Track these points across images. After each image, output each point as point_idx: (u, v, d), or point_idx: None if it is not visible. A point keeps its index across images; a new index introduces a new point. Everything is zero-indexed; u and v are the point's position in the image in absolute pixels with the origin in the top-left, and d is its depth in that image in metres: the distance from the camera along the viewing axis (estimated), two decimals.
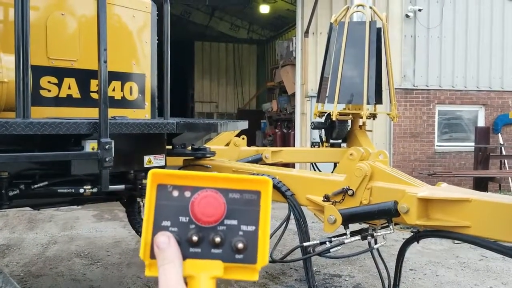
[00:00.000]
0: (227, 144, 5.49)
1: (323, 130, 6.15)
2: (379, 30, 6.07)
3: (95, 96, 3.47)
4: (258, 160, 5.17)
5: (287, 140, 12.02)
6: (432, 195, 2.59)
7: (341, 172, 3.21)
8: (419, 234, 2.72)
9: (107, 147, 2.48)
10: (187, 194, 0.77)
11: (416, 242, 2.77)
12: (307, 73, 10.01)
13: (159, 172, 0.78)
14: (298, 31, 10.61)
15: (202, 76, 19.65)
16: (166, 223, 0.77)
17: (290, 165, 9.17)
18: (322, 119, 6.20)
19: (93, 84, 3.49)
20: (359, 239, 2.80)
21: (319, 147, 6.06)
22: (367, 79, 5.73)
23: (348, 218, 2.79)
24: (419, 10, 10.01)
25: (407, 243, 2.86)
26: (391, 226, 2.68)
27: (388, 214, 2.65)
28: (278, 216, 7.73)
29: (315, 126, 6.10)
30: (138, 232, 3.20)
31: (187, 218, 0.77)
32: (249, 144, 5.69)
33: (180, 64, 20.48)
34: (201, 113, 19.21)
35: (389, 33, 9.77)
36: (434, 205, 2.59)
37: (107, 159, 2.48)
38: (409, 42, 10.05)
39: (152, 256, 0.76)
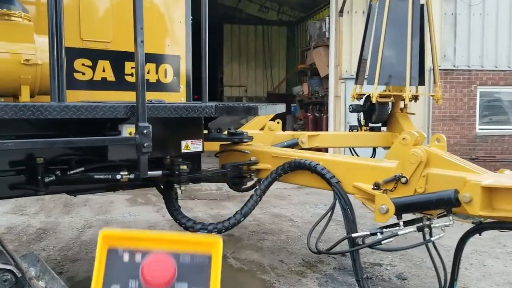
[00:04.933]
0: (262, 129, 5.32)
1: (361, 113, 5.91)
2: (422, 6, 5.74)
3: (129, 79, 3.35)
4: (294, 145, 4.98)
5: (319, 124, 11.76)
6: (498, 183, 2.35)
7: (392, 158, 2.99)
8: (482, 226, 2.50)
9: (145, 131, 2.34)
10: (138, 258, 0.79)
11: (478, 234, 2.55)
12: (341, 54, 9.68)
13: (110, 234, 0.82)
14: (332, 10, 10.25)
15: (231, 59, 19.47)
16: (116, 287, 0.78)
17: (323, 150, 8.96)
18: (361, 102, 5.96)
19: (128, 66, 3.37)
20: (415, 231, 2.60)
21: (357, 131, 5.83)
22: (410, 59, 5.44)
23: (402, 208, 2.58)
24: None
25: (467, 235, 2.63)
26: (450, 217, 2.46)
27: (448, 204, 2.43)
28: (319, 202, 7.54)
29: (354, 109, 5.86)
30: (177, 220, 3.08)
31: (137, 282, 0.78)
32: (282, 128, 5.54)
33: (209, 48, 20.33)
34: (230, 98, 19.09)
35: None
36: (500, 195, 2.36)
37: (145, 145, 2.35)
38: (450, 20, 9.56)
39: None
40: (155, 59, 3.53)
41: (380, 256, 5.12)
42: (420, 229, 2.58)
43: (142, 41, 2.34)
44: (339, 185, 2.93)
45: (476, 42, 9.66)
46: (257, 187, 3.28)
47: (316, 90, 13.44)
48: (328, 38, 10.71)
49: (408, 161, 2.66)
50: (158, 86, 3.56)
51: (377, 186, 2.74)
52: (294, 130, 13.35)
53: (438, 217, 2.61)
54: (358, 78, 6.09)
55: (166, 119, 2.75)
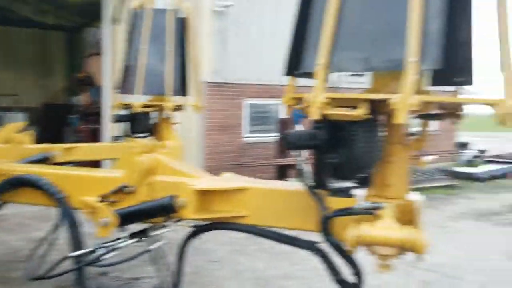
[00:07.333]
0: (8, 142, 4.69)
1: (126, 124, 5.77)
2: (183, 19, 5.92)
3: None
4: (44, 160, 4.52)
5: (98, 136, 11.21)
6: (210, 186, 2.48)
7: (121, 168, 2.91)
8: (197, 229, 2.60)
9: None
10: None
11: (196, 238, 2.65)
12: (116, 63, 9.41)
13: None
14: (106, 18, 9.94)
15: (1, 66, 17.17)
16: None
17: (98, 164, 8.50)
18: (126, 112, 5.82)
19: None
20: (136, 242, 2.56)
21: (121, 142, 5.67)
22: (171, 70, 5.54)
23: (124, 219, 2.51)
24: (229, 5, 10.25)
25: (187, 240, 2.71)
26: (169, 223, 2.49)
27: (166, 210, 2.47)
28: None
29: (117, 119, 5.69)
30: None
31: None
32: (59, 141, 5.02)
33: None
34: None
35: (201, 26, 9.83)
36: (214, 197, 2.50)
37: None
38: (219, 36, 10.23)
39: None
40: None
41: (142, 270, 5.03)
42: (140, 240, 2.55)
43: None
44: (64, 201, 2.71)
45: (243, 58, 10.55)
46: None
47: (96, 100, 12.85)
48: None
49: (133, 169, 2.61)
50: None
51: (103, 198, 2.62)
52: (75, 142, 12.44)
53: (165, 225, 2.62)
54: (121, 88, 5.94)
55: None
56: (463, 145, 16.80)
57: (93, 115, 12.92)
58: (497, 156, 15.15)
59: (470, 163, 14.88)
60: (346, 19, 2.02)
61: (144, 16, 5.65)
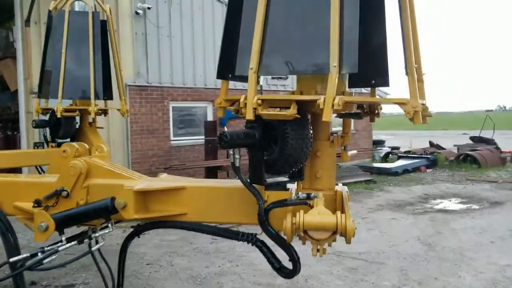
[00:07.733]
0: None
1: (47, 129, 5.57)
2: (104, 22, 5.82)
3: None
4: None
5: (12, 144, 10.58)
6: (149, 186, 2.54)
7: (54, 172, 2.87)
8: (138, 229, 2.65)
9: None
10: None
11: (137, 237, 2.69)
12: (31, 66, 8.97)
13: None
14: (18, 19, 9.42)
15: None
16: None
17: (17, 172, 8.04)
18: (47, 117, 5.61)
19: None
20: (76, 244, 2.55)
21: (43, 148, 5.45)
22: (93, 73, 5.44)
23: (62, 223, 2.49)
24: (148, 8, 10.15)
25: (128, 239, 2.75)
26: (109, 225, 2.52)
27: (106, 212, 2.49)
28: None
29: (37, 124, 5.49)
30: None
31: None
32: None
33: None
34: None
35: (121, 29, 9.64)
36: (153, 197, 2.55)
37: None
38: (141, 39, 10.09)
39: None
40: None
41: (74, 276, 4.91)
42: (81, 242, 2.55)
43: None
44: None
45: (165, 61, 10.49)
46: None
47: (8, 105, 12.14)
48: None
49: (68, 173, 2.60)
50: None
51: (38, 203, 2.58)
52: None
53: (102, 227, 2.63)
54: (42, 92, 5.72)
55: None
56: (379, 143, 17.95)
57: (5, 121, 12.18)
58: (408, 152, 16.35)
59: (385, 159, 15.94)
60: (274, 27, 2.20)
61: (62, 18, 5.49)
